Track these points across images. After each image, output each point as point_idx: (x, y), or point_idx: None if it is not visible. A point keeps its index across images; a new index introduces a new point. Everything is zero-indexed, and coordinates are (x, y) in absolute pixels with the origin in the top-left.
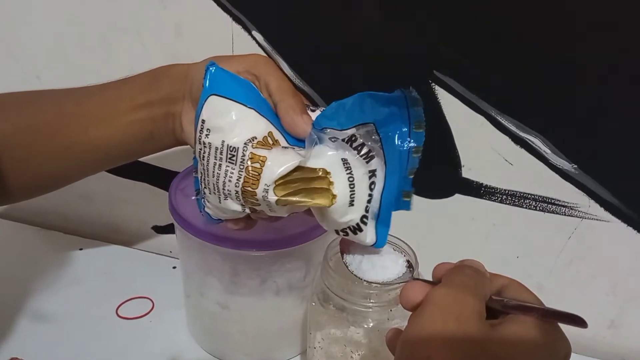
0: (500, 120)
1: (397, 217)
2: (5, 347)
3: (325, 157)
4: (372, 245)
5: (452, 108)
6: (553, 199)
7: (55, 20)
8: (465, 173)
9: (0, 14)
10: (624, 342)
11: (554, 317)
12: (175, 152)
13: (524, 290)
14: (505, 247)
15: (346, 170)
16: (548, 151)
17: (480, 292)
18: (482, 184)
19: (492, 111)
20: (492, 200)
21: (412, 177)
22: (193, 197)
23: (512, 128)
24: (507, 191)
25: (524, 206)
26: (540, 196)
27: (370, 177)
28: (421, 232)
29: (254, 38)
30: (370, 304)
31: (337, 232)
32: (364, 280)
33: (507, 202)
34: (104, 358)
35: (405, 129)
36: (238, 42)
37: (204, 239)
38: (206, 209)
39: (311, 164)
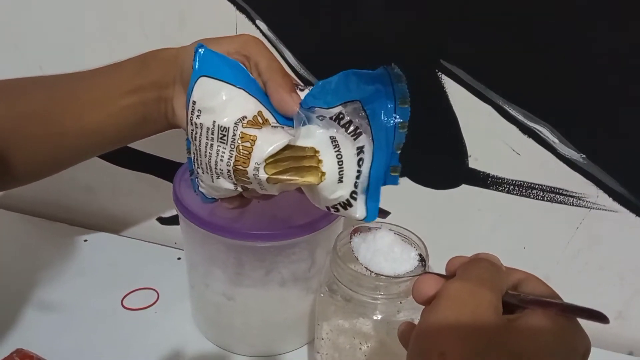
0: (508, 109)
1: (403, 207)
2: (11, 338)
3: (314, 136)
4: (362, 220)
5: (459, 97)
6: (561, 189)
7: (58, 9)
8: (472, 163)
9: (2, 3)
10: (631, 333)
11: (573, 312)
12: (179, 143)
13: (541, 285)
14: (512, 238)
15: (334, 148)
16: (556, 141)
17: (496, 285)
18: (489, 174)
19: (499, 100)
20: (499, 191)
21: (399, 152)
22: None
23: (520, 117)
24: (514, 181)
25: (532, 196)
26: (548, 186)
27: (358, 154)
28: (427, 223)
29: (258, 27)
30: (379, 296)
31: (327, 208)
32: (374, 273)
33: (514, 192)
34: (109, 349)
35: (390, 105)
36: (242, 31)
37: (209, 230)
38: (200, 189)
39: (300, 143)
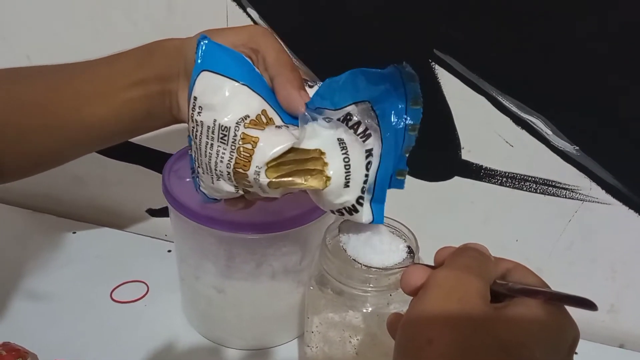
0: (502, 100)
1: (395, 200)
2: None
3: (321, 137)
4: (369, 223)
5: (452, 88)
6: (554, 182)
7: None
8: (465, 155)
9: None
10: (623, 327)
11: (561, 300)
12: (169, 134)
13: (529, 274)
14: (505, 231)
15: (342, 151)
16: (549, 132)
17: (484, 274)
18: (482, 166)
19: (493, 91)
20: (492, 183)
21: (407, 155)
22: (188, 179)
23: (514, 109)
24: (507, 173)
25: (524, 189)
26: (541, 178)
27: (367, 157)
28: (419, 215)
29: (249, 15)
30: (369, 289)
31: (332, 212)
32: (363, 265)
33: (507, 184)
34: (99, 342)
35: (401, 106)
36: (233, 19)
37: (199, 222)
38: (201, 188)
39: (305, 145)
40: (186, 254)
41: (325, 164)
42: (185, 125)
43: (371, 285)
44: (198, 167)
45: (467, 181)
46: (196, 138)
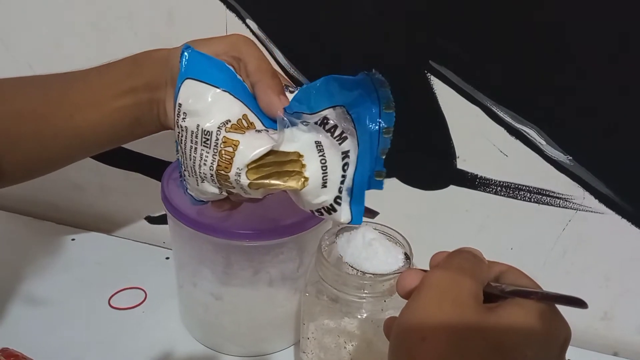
0: (496, 111)
1: (391, 208)
2: None
3: (299, 139)
4: (348, 223)
5: (448, 98)
6: (548, 191)
7: (47, 7)
8: (460, 164)
9: None
10: (616, 334)
11: (552, 300)
12: (168, 142)
13: (522, 276)
14: (499, 239)
15: (319, 153)
16: (543, 142)
17: (478, 276)
18: (476, 175)
19: (487, 102)
20: (487, 192)
21: (384, 157)
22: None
23: (508, 119)
24: (501, 182)
25: (519, 198)
26: (535, 188)
27: (343, 159)
28: (415, 223)
29: (248, 26)
30: (364, 295)
31: (312, 212)
32: (359, 271)
33: (502, 193)
34: (96, 348)
35: (375, 110)
36: (232, 30)
37: (197, 229)
38: (188, 191)
39: (284, 147)
40: (184, 260)
41: (303, 165)
42: None
43: (366, 291)
44: (184, 170)
45: (462, 190)
46: (181, 143)
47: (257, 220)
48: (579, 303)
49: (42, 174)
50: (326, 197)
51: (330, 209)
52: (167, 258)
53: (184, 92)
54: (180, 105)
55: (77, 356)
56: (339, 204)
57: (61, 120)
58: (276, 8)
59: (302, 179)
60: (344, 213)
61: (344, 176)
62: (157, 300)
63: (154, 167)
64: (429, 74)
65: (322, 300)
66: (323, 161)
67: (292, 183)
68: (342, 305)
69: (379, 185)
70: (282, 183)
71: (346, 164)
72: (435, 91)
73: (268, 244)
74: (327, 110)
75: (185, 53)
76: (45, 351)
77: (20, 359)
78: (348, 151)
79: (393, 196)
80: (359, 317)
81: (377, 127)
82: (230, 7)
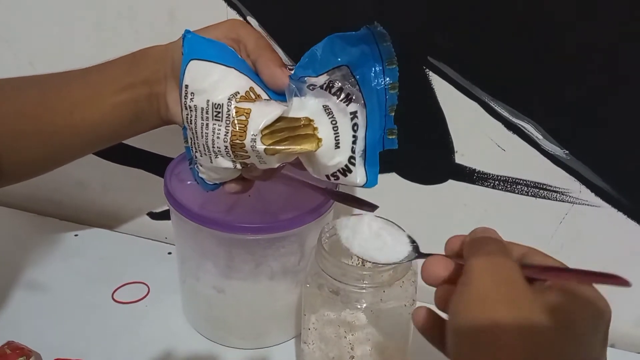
0: (493, 106)
1: (391, 202)
2: (2, 331)
3: (307, 106)
4: (363, 185)
5: (446, 94)
6: (545, 185)
7: (49, 6)
8: (459, 159)
9: None
10: (613, 326)
11: (593, 278)
12: (170, 138)
13: (547, 257)
14: (498, 232)
15: (328, 116)
16: (540, 137)
17: (511, 256)
18: (474, 169)
19: (485, 97)
20: (485, 186)
21: (392, 114)
22: (189, 182)
23: (505, 114)
24: (499, 177)
25: (516, 192)
26: (532, 182)
27: (352, 119)
28: (414, 218)
29: (249, 23)
30: (364, 286)
31: (327, 177)
32: (368, 263)
33: (499, 187)
34: (100, 342)
35: (378, 67)
36: None
37: (199, 223)
38: (200, 175)
39: (294, 114)
40: (187, 254)
41: (315, 128)
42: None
43: (366, 282)
44: (195, 152)
45: (460, 184)
46: (191, 124)
47: (259, 214)
48: (620, 281)
49: (43, 172)
50: (340, 157)
51: (346, 170)
52: (169, 253)
53: (190, 73)
54: (187, 86)
55: (81, 349)
56: (353, 164)
57: (61, 118)
58: (277, 5)
59: (317, 140)
60: (359, 174)
61: (354, 136)
62: (159, 294)
63: (155, 164)
64: (427, 70)
65: (322, 291)
66: (334, 122)
67: (307, 145)
68: (342, 296)
69: (393, 144)
70: (297, 147)
71: (355, 125)
72: (434, 87)
73: (270, 238)
74: (332, 72)
75: (187, 37)
76: (50, 344)
77: (26, 352)
78: (355, 112)
79: (392, 190)
80: (359, 307)
81: (382, 83)
82: (231, 4)
